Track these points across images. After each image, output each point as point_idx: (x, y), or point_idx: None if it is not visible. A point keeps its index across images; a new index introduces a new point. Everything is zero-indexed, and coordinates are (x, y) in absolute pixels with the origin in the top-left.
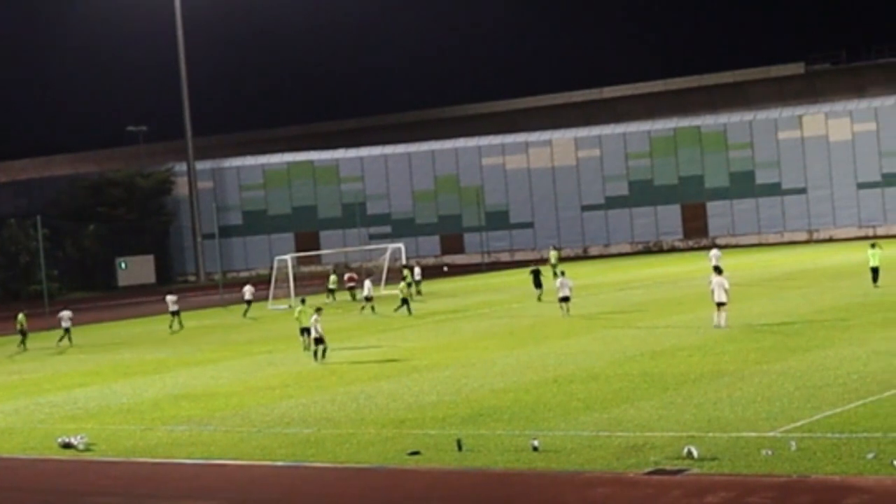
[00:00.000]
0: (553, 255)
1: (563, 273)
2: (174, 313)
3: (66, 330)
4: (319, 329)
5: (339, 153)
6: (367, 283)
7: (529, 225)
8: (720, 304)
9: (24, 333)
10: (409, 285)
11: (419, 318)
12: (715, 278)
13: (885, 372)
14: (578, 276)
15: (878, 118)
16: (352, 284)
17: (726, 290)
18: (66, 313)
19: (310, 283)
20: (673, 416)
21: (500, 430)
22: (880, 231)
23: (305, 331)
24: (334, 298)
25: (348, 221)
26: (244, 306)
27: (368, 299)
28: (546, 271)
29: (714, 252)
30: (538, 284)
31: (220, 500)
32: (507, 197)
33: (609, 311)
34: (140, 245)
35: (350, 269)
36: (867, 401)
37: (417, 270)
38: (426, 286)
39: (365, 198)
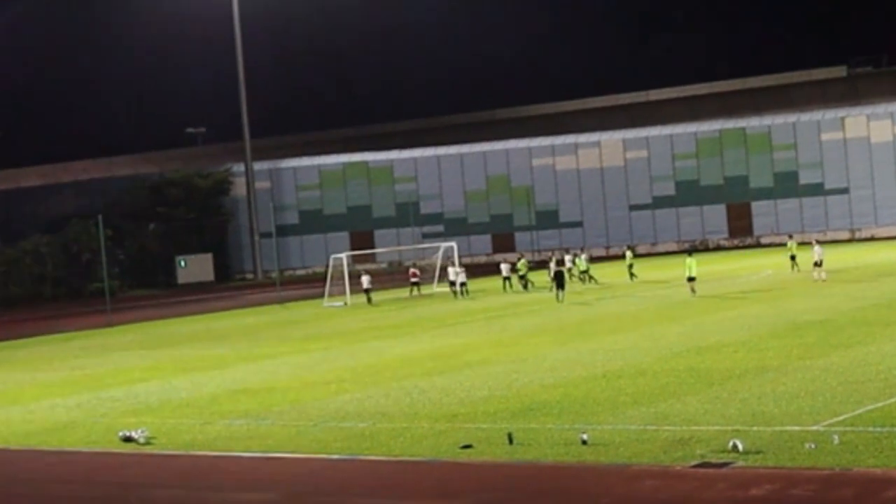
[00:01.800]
0: (629, 254)
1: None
2: (367, 291)
3: (367, 291)
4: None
5: (394, 154)
6: (452, 269)
7: (579, 224)
8: (818, 264)
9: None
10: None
11: (472, 314)
12: (817, 247)
13: None
14: (626, 275)
15: None
16: (415, 280)
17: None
18: (365, 277)
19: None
20: (718, 411)
21: (550, 423)
22: None
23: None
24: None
25: (402, 221)
26: (364, 296)
27: (462, 285)
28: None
29: (816, 249)
30: (560, 285)
31: (278, 493)
32: (557, 197)
33: (656, 308)
34: (199, 244)
35: (416, 266)
36: None
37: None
38: (475, 284)
39: (418, 197)
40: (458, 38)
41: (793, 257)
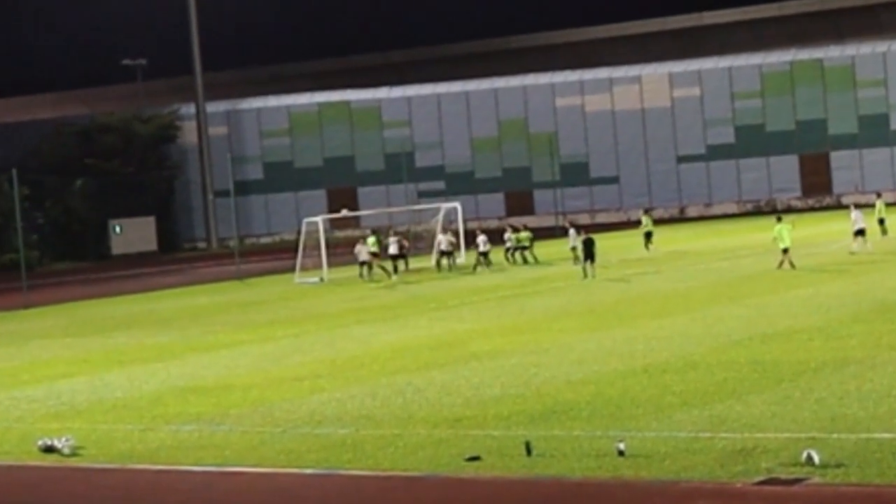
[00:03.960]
0: (646, 219)
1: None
2: (363, 264)
3: (395, 257)
4: None
5: (382, 92)
6: (481, 238)
7: (614, 180)
8: (860, 232)
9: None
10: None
11: (479, 293)
12: (856, 211)
13: None
14: (674, 243)
15: None
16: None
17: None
18: (482, 237)
19: (345, 251)
20: (789, 414)
21: (578, 430)
22: None
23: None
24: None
25: (393, 176)
26: (362, 268)
27: (484, 255)
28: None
29: (856, 214)
30: (590, 256)
31: None
32: (587, 146)
33: (711, 285)
34: (139, 205)
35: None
36: None
37: (483, 239)
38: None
39: (413, 147)
40: None
41: (881, 221)
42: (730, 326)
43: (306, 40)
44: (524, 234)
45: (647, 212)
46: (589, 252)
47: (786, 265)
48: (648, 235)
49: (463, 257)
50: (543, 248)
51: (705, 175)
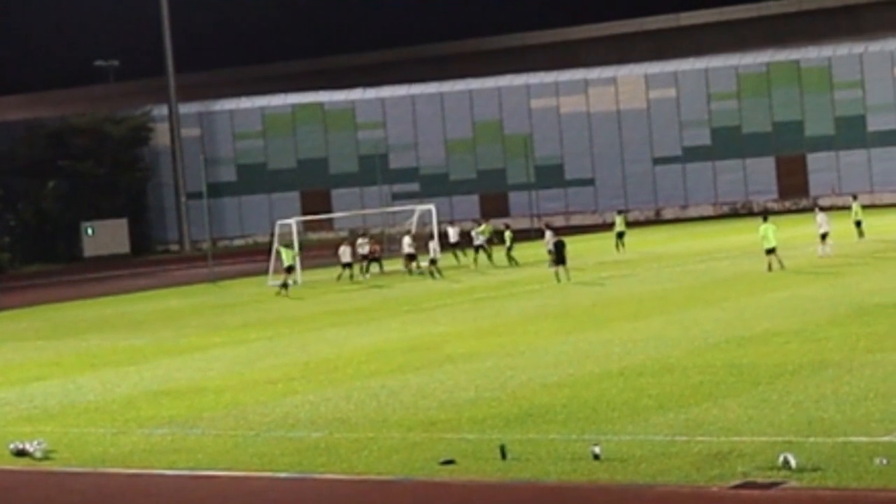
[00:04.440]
0: (619, 220)
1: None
2: (346, 266)
3: (409, 256)
4: None
5: (356, 93)
6: (406, 240)
7: (589, 182)
8: (825, 236)
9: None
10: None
11: (454, 295)
12: (821, 214)
13: None
14: (650, 245)
15: None
16: (371, 255)
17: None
18: (406, 240)
19: (319, 254)
20: (765, 418)
21: (554, 433)
22: None
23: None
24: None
25: (366, 177)
26: (344, 271)
27: (433, 262)
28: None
29: (821, 217)
30: (560, 259)
31: None
32: (562, 148)
33: (687, 288)
34: (111, 207)
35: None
36: None
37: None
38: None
39: (387, 148)
40: None
41: (858, 223)
42: (706, 329)
43: (280, 41)
44: (485, 227)
45: (620, 212)
46: (560, 255)
47: (775, 266)
48: (620, 236)
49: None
50: (519, 251)
51: (681, 177)
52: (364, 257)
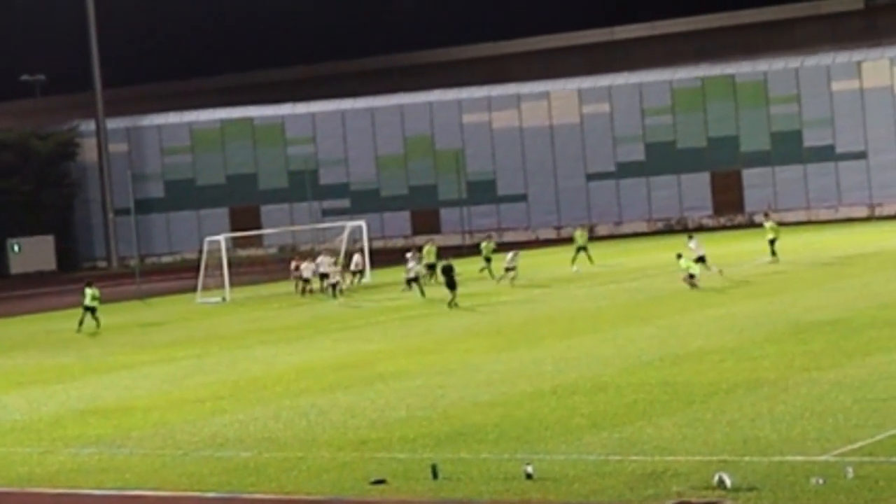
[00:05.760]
0: (579, 234)
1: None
2: (305, 280)
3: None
4: None
5: (285, 108)
6: (412, 262)
7: (522, 198)
8: (700, 259)
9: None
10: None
11: (385, 313)
12: (693, 241)
13: None
14: (583, 261)
15: None
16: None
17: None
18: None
19: (248, 271)
20: (700, 436)
21: (486, 453)
22: None
23: None
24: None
25: (296, 193)
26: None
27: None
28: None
29: (694, 243)
30: (450, 284)
31: None
32: (495, 163)
33: (621, 305)
34: (37, 223)
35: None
36: None
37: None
38: (389, 275)
39: (317, 164)
40: None
41: (772, 241)
42: (640, 347)
43: (208, 56)
44: (428, 249)
45: (582, 227)
46: (450, 280)
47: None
48: (581, 250)
49: (368, 276)
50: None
51: (615, 193)
52: (324, 276)
